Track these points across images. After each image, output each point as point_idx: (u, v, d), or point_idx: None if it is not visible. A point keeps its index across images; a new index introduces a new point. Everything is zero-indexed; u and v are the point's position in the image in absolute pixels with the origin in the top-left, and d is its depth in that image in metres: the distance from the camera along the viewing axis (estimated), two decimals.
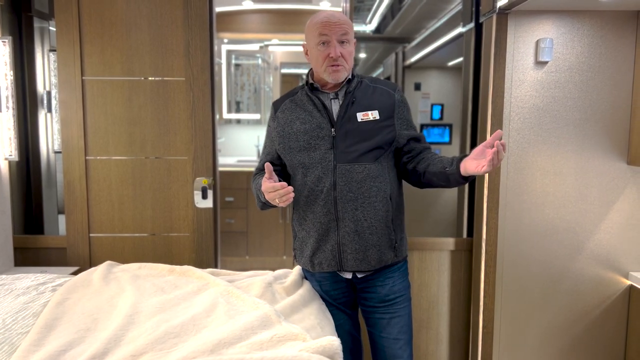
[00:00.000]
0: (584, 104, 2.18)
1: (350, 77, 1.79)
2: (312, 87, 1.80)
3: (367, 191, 1.73)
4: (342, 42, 1.72)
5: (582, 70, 2.17)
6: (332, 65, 1.71)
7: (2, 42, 2.32)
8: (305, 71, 5.23)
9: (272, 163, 1.89)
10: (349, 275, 1.83)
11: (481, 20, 2.31)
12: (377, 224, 1.75)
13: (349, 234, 1.74)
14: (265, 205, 1.79)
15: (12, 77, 2.34)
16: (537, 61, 2.16)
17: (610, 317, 2.28)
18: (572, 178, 2.22)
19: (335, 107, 1.78)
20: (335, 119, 1.75)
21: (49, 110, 2.65)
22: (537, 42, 2.14)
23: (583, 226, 2.24)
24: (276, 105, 1.89)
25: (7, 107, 2.34)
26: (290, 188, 1.61)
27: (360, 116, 1.74)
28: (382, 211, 1.75)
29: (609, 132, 2.19)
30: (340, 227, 1.74)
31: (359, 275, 1.81)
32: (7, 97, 2.34)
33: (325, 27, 1.70)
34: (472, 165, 1.53)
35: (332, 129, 1.74)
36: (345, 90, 1.78)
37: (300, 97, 1.83)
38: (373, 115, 1.75)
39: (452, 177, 1.65)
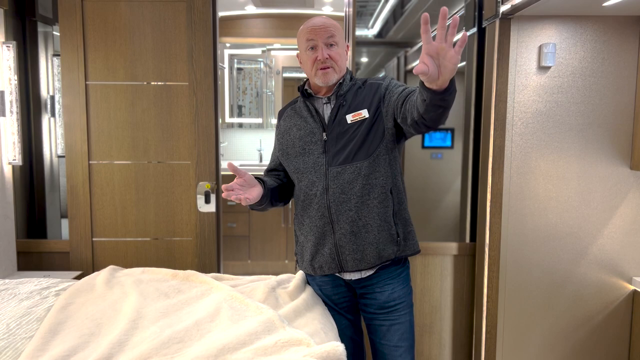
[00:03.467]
0: (587, 108, 2.19)
1: (341, 80, 1.79)
2: (306, 94, 1.82)
3: (359, 190, 1.71)
4: (329, 45, 1.74)
5: (585, 75, 2.17)
6: (322, 69, 1.73)
7: (6, 46, 2.33)
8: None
9: (277, 172, 1.95)
10: (350, 277, 1.82)
11: (484, 25, 2.32)
12: (372, 222, 1.73)
13: (345, 235, 1.74)
14: (252, 205, 1.79)
15: (16, 82, 2.35)
16: (540, 66, 2.16)
17: (613, 322, 2.27)
18: (575, 183, 2.22)
19: (327, 111, 1.80)
20: (326, 123, 1.77)
21: (53, 114, 2.66)
22: (540, 47, 2.15)
23: (586, 231, 2.24)
24: (280, 114, 1.95)
25: (11, 112, 2.35)
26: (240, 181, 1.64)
27: (349, 118, 1.74)
28: (378, 208, 1.73)
29: (612, 137, 2.19)
30: (336, 230, 1.74)
31: (362, 276, 1.81)
32: (11, 102, 2.35)
33: (311, 32, 1.74)
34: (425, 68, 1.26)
35: (324, 133, 1.76)
36: (337, 94, 1.78)
37: (299, 104, 1.87)
38: (362, 114, 1.73)
39: (429, 97, 1.36)
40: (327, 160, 1.74)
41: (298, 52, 1.85)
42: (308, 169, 1.77)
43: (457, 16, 1.21)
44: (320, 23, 1.75)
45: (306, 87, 1.84)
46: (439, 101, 1.37)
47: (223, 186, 1.61)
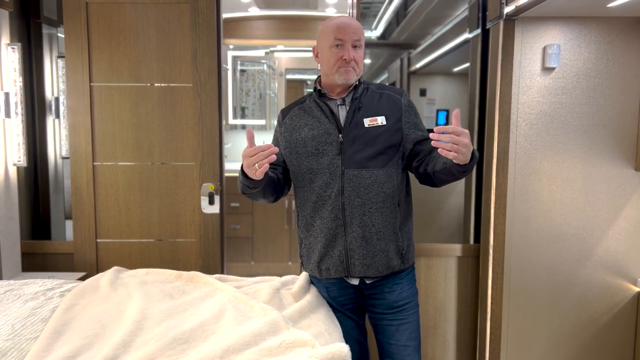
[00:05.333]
0: (592, 110, 2.18)
1: (357, 83, 1.81)
2: (320, 94, 1.81)
3: (374, 197, 1.73)
4: (355, 47, 1.75)
5: (589, 76, 2.17)
6: (344, 67, 1.73)
7: (12, 48, 2.34)
8: (310, 77, 5.21)
9: (275, 166, 1.88)
10: (356, 282, 1.82)
11: (488, 26, 2.32)
12: (384, 230, 1.75)
13: (356, 239, 1.74)
14: (246, 187, 1.72)
15: (21, 83, 2.36)
16: (544, 67, 2.16)
17: (618, 324, 2.27)
18: (580, 184, 2.21)
19: (342, 113, 1.79)
20: (342, 124, 1.76)
21: (57, 116, 2.67)
22: (545, 48, 2.15)
23: (591, 232, 2.23)
24: (284, 112, 1.91)
25: (16, 113, 2.36)
26: (275, 149, 1.56)
27: (367, 122, 1.75)
28: (389, 217, 1.76)
29: (617, 138, 2.19)
30: (347, 233, 1.74)
31: (367, 282, 1.81)
32: (16, 103, 2.36)
33: (341, 31, 1.73)
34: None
35: (340, 135, 1.75)
36: (352, 97, 1.79)
37: (309, 104, 1.85)
38: (380, 121, 1.76)
39: (454, 170, 1.61)
40: (343, 162, 1.74)
41: (315, 46, 1.83)
42: (322, 170, 1.75)
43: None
44: (350, 23, 1.75)
45: (319, 86, 1.83)
46: (457, 172, 1.62)
47: (268, 150, 1.54)
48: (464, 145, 1.48)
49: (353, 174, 1.72)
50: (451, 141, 1.47)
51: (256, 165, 1.56)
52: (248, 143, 1.60)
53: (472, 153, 1.56)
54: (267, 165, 1.56)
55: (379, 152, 1.74)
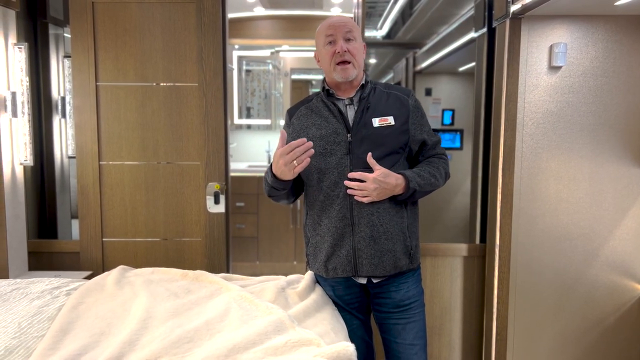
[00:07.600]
0: (598, 109, 2.17)
1: (363, 82, 1.81)
2: (328, 93, 1.82)
3: None
4: (347, 40, 1.76)
5: (596, 75, 2.15)
6: (340, 63, 1.75)
7: (18, 48, 2.35)
8: (315, 77, 5.21)
9: None
10: (363, 281, 1.82)
11: (494, 25, 2.31)
12: (392, 230, 1.74)
13: (364, 239, 1.74)
14: (273, 189, 1.76)
15: (27, 83, 2.36)
16: (551, 66, 2.15)
17: (625, 325, 2.25)
18: (586, 183, 2.20)
19: (350, 113, 1.80)
20: (351, 124, 1.76)
21: (63, 115, 2.68)
22: (551, 47, 2.14)
23: (597, 232, 2.22)
24: (291, 112, 1.91)
25: (23, 113, 2.37)
26: (310, 143, 1.61)
27: (375, 122, 1.76)
28: (397, 217, 1.76)
29: (624, 137, 2.18)
30: (355, 232, 1.74)
31: (374, 281, 1.81)
32: (22, 103, 2.36)
33: (330, 27, 1.77)
34: None
35: (348, 135, 1.75)
36: (360, 96, 1.79)
37: (316, 103, 1.85)
38: (388, 121, 1.76)
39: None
40: (351, 161, 1.74)
41: (315, 51, 1.86)
42: (330, 170, 1.76)
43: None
44: (338, 19, 1.78)
45: (326, 87, 1.84)
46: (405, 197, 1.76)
47: (304, 146, 1.60)
48: (372, 189, 1.67)
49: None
50: (358, 187, 1.68)
51: (294, 162, 1.61)
52: (280, 143, 1.64)
53: (409, 187, 1.71)
54: (308, 160, 1.61)
55: (387, 152, 1.74)
